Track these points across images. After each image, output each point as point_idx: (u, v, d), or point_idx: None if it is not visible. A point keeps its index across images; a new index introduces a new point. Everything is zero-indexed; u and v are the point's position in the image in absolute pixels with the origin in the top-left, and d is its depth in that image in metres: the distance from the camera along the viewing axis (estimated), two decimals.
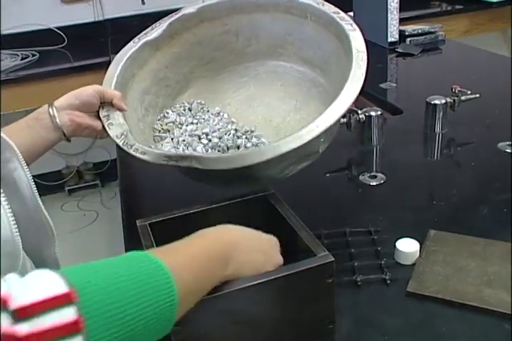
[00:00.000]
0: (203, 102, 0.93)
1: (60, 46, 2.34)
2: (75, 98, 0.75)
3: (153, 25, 0.90)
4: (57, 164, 2.68)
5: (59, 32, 2.34)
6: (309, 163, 0.75)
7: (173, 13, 0.91)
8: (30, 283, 0.36)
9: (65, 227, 2.40)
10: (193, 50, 0.93)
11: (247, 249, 0.54)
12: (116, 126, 0.76)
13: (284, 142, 0.64)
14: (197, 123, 0.88)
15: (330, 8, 0.81)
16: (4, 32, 2.29)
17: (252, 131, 0.84)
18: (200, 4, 0.90)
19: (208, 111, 0.91)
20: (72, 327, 0.34)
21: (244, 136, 0.83)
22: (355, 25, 0.76)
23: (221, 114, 0.90)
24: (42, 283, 0.36)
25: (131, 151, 0.71)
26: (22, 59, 2.20)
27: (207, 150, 0.81)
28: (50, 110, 0.73)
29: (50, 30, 2.34)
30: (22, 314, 0.33)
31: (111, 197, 2.68)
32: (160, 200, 0.99)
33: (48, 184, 2.56)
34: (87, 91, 0.76)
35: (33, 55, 2.24)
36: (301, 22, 0.85)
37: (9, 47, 2.27)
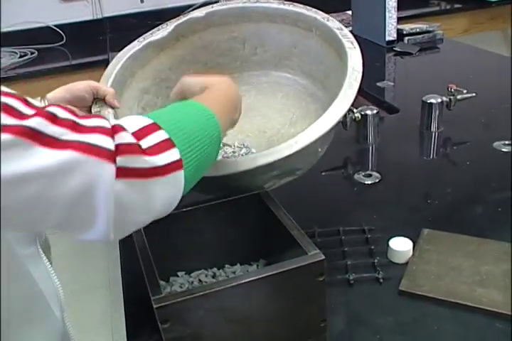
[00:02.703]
0: None
1: (58, 44, 2.34)
2: (67, 92, 0.76)
3: (160, 26, 0.90)
4: None
5: (57, 30, 2.33)
6: (293, 178, 0.75)
7: (181, 16, 0.91)
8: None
9: None
10: (198, 54, 0.93)
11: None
12: None
13: (262, 155, 0.66)
14: None
15: (334, 24, 0.81)
16: (3, 30, 2.28)
17: (243, 145, 0.86)
18: (209, 9, 0.90)
19: None
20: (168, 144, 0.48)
21: (235, 145, 0.85)
22: (355, 44, 0.76)
23: None
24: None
25: None
26: (20, 57, 2.20)
27: None
28: (42, 102, 0.74)
29: (48, 28, 2.34)
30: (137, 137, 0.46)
31: None
32: None
33: None
34: (80, 86, 0.76)
35: (32, 53, 2.24)
36: (307, 35, 0.86)
37: (8, 45, 2.26)
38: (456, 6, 2.50)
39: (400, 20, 1.85)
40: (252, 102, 0.93)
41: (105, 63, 2.06)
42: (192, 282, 0.69)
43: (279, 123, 0.90)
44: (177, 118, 0.52)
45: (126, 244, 0.79)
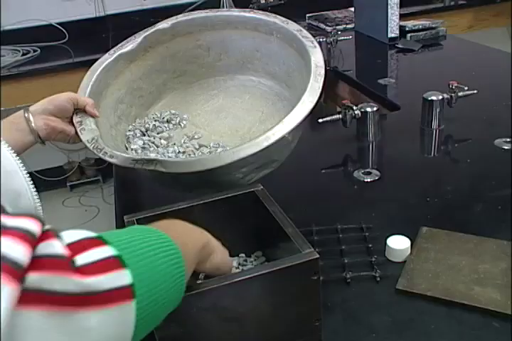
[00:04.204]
0: (173, 112, 0.98)
1: (61, 42, 2.34)
2: (49, 103, 0.79)
3: (129, 38, 0.95)
4: (59, 160, 2.69)
5: (60, 28, 2.34)
6: (270, 170, 0.80)
7: (148, 28, 0.96)
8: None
9: (67, 223, 2.40)
10: (166, 63, 0.99)
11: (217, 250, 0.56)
12: (88, 131, 0.80)
13: (242, 148, 0.69)
14: (167, 138, 0.93)
15: (293, 26, 0.86)
16: (5, 28, 2.29)
17: (219, 144, 0.90)
18: (173, 20, 0.95)
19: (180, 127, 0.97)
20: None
21: (210, 145, 0.89)
22: (315, 43, 0.82)
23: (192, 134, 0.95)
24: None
25: (100, 155, 0.76)
26: (23, 55, 2.20)
27: (176, 155, 0.87)
28: (26, 114, 0.76)
29: (51, 25, 2.34)
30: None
31: (112, 193, 2.68)
32: (154, 197, 0.99)
33: (50, 179, 2.57)
34: (61, 97, 0.80)
35: (34, 51, 2.24)
36: (268, 39, 0.91)
37: (10, 43, 2.27)
38: (460, 2, 2.49)
39: (402, 16, 1.84)
40: (221, 105, 0.99)
41: None
42: None
43: (249, 122, 0.94)
44: (131, 237, 0.41)
45: None
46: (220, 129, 0.94)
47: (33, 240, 0.31)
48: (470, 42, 1.80)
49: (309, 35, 0.84)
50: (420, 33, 1.84)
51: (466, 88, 1.14)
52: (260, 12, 0.91)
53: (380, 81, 1.48)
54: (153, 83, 0.99)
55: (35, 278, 0.30)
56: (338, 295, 0.70)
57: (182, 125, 0.96)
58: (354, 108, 1.09)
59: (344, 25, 2.06)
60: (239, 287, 0.54)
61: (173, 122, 0.96)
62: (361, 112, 1.09)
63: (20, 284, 0.30)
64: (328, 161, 1.06)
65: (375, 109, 1.10)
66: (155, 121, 0.96)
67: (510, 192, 0.88)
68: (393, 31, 1.79)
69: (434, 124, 1.14)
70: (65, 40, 2.35)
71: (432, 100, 1.12)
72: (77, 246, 0.34)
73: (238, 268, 0.70)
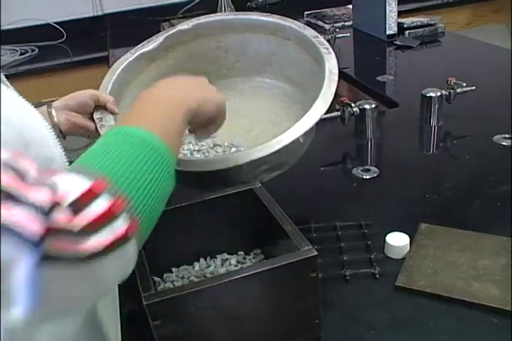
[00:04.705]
0: None
1: (59, 41, 2.33)
2: (71, 99, 0.81)
3: (150, 38, 0.97)
4: None
5: (58, 27, 2.33)
6: (281, 172, 0.81)
7: (170, 28, 0.98)
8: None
9: None
10: (186, 63, 1.00)
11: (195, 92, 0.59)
12: (107, 128, 0.81)
13: (255, 150, 0.71)
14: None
15: (310, 33, 0.88)
16: (3, 27, 2.28)
17: (232, 144, 0.92)
18: (195, 21, 0.98)
19: None
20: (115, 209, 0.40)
21: (225, 144, 0.91)
22: (330, 49, 0.84)
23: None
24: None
25: None
26: (21, 54, 2.20)
27: (191, 154, 0.88)
28: (48, 109, 0.78)
29: (49, 25, 2.33)
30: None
31: None
32: None
33: None
34: (84, 94, 0.81)
35: (32, 50, 2.24)
36: (285, 43, 0.93)
37: (8, 43, 2.26)
38: None
39: (400, 13, 1.83)
40: (237, 106, 1.00)
41: (106, 60, 2.06)
42: (183, 277, 0.69)
43: (263, 123, 0.96)
44: (121, 163, 0.44)
45: None
46: (235, 129, 0.95)
47: (44, 213, 0.36)
48: (468, 39, 1.80)
49: (325, 42, 0.86)
50: (418, 30, 1.84)
51: (464, 84, 1.14)
52: (278, 16, 0.94)
53: (379, 78, 1.48)
54: None
55: (50, 247, 0.36)
56: (338, 293, 0.70)
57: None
58: (352, 105, 1.08)
59: (342, 23, 2.05)
60: (238, 285, 0.54)
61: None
62: (360, 109, 1.09)
63: (40, 247, 0.35)
64: (326, 159, 1.05)
65: (373, 106, 1.10)
66: None
67: (509, 188, 0.88)
68: (391, 28, 1.79)
69: (433, 121, 1.14)
70: (63, 40, 2.34)
71: (431, 97, 1.12)
72: (78, 203, 0.39)
73: (237, 266, 0.70)
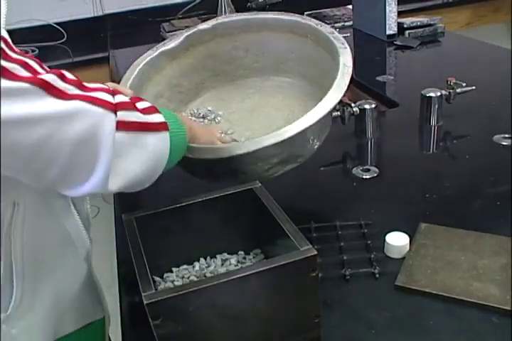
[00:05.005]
0: (209, 108, 1.03)
1: (59, 42, 2.34)
2: None
3: (171, 37, 1.00)
4: None
5: (58, 27, 2.33)
6: (295, 165, 0.82)
7: (190, 28, 1.01)
8: None
9: None
10: (206, 62, 1.03)
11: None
12: None
13: (266, 138, 0.72)
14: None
15: (326, 29, 0.90)
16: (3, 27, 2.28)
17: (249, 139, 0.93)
18: (214, 21, 1.00)
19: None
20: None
21: (242, 139, 0.92)
22: (346, 44, 0.86)
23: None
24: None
25: None
26: None
27: None
28: None
29: (49, 25, 2.33)
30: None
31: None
32: (154, 197, 0.98)
33: None
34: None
35: (33, 51, 2.24)
36: (302, 41, 0.95)
37: None
38: None
39: (400, 13, 1.83)
40: (256, 104, 1.02)
41: (106, 60, 2.06)
42: (183, 277, 0.69)
43: (280, 120, 0.96)
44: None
45: (122, 238, 0.79)
46: (253, 127, 0.97)
47: (112, 92, 0.55)
48: (468, 39, 1.80)
49: (341, 37, 0.88)
50: (418, 30, 1.84)
51: (464, 84, 1.14)
52: (296, 15, 0.96)
53: (379, 78, 1.48)
54: (192, 80, 1.03)
55: (120, 113, 0.53)
56: (337, 292, 0.70)
57: (217, 121, 1.00)
58: (352, 105, 1.08)
59: (342, 23, 2.05)
60: (237, 284, 0.54)
61: (209, 118, 1.00)
62: (360, 109, 1.09)
63: (115, 115, 0.52)
64: (326, 158, 1.05)
65: (373, 106, 1.10)
66: (191, 115, 1.00)
67: (509, 188, 0.89)
68: (391, 28, 1.79)
69: (433, 121, 1.14)
70: (63, 40, 2.34)
71: (431, 97, 1.12)
72: (134, 99, 0.58)
73: (237, 265, 0.70)
